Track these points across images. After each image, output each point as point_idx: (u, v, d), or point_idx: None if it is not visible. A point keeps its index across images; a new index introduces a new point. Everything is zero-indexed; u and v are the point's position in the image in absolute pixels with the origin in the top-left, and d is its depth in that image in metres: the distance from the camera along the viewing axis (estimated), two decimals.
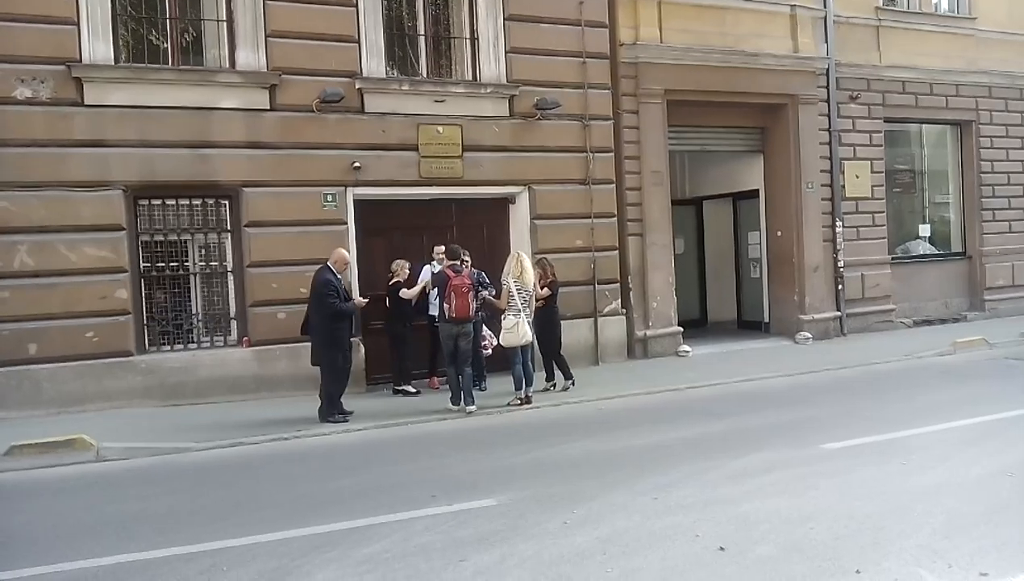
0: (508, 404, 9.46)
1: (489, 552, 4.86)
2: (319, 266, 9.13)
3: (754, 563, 4.60)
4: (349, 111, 10.61)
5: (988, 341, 12.69)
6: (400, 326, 10.25)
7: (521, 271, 9.55)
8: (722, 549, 4.77)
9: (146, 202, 10.10)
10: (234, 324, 10.41)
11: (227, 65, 10.32)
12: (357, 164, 10.56)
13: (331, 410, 8.90)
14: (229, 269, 10.40)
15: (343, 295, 8.99)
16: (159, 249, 10.23)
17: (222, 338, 10.40)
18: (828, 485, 6.03)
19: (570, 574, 4.53)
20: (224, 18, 10.33)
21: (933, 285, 15.59)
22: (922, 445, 7.04)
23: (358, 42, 10.79)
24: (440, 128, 11.11)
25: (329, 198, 10.50)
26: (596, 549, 4.86)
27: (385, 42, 11.10)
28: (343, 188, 10.60)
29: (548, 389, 10.25)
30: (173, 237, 10.28)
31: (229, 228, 10.39)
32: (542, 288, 10.19)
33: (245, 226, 10.21)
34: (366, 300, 9.81)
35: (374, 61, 10.89)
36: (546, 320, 10.24)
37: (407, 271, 10.26)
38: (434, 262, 10.37)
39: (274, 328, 10.19)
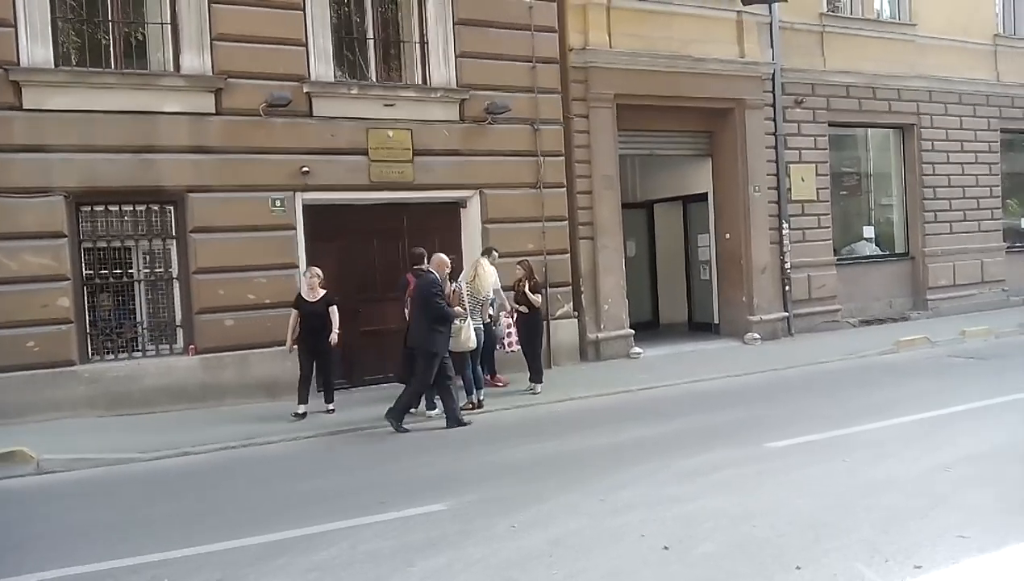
0: (460, 409, 9.45)
1: (437, 557, 4.86)
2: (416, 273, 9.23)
3: (698, 561, 4.66)
4: (297, 115, 10.52)
5: (930, 339, 13.02)
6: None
7: (475, 277, 9.56)
8: (666, 548, 4.82)
9: (88, 208, 9.89)
10: (180, 332, 10.23)
11: (171, 69, 10.16)
12: (306, 169, 10.46)
13: (397, 419, 8.57)
14: (175, 276, 10.23)
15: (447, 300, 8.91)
16: (102, 256, 10.01)
17: (168, 346, 10.23)
18: (773, 483, 6.14)
19: (517, 577, 4.54)
20: (168, 21, 10.16)
21: (877, 285, 15.94)
22: (864, 442, 7.20)
23: (306, 46, 10.70)
24: (390, 132, 11.07)
25: (277, 203, 10.39)
26: (544, 551, 4.88)
27: (334, 46, 11.03)
28: (292, 193, 10.49)
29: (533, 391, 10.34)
30: (117, 244, 10.07)
31: (174, 234, 10.21)
32: (532, 292, 10.36)
33: (191, 232, 10.05)
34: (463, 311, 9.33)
35: (322, 65, 10.81)
36: (534, 323, 10.43)
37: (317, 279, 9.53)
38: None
39: (221, 335, 10.05)
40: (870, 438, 7.34)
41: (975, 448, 6.82)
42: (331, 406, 9.54)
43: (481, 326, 9.72)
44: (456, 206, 11.85)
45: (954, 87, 16.54)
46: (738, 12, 13.88)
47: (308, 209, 10.68)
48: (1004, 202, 17.67)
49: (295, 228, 10.53)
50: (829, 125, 15.21)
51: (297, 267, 10.38)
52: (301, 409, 9.26)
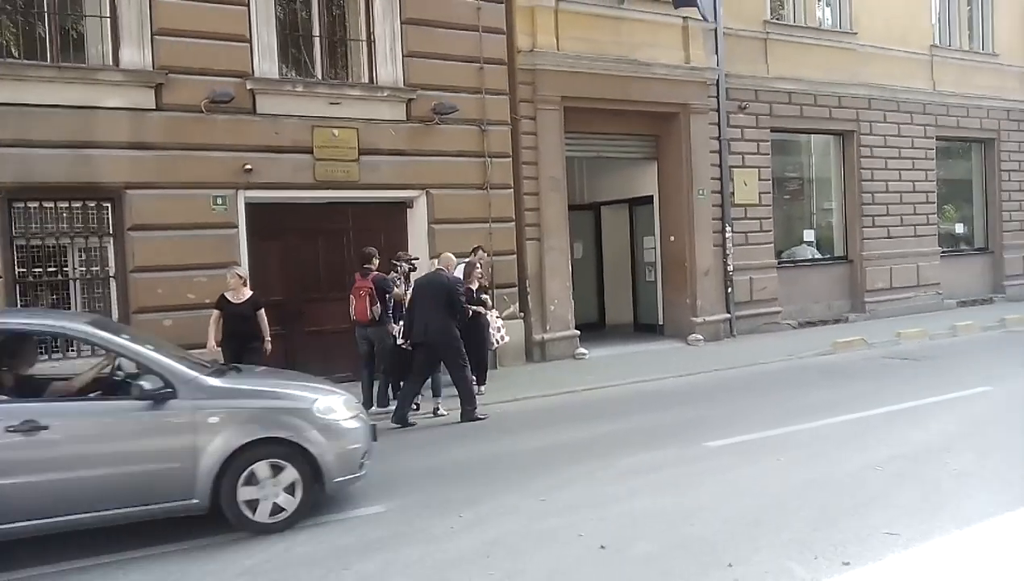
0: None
1: (373, 559, 4.84)
2: (431, 273, 9.29)
3: (634, 560, 4.72)
4: (240, 112, 10.37)
5: (867, 341, 13.34)
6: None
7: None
8: (604, 548, 4.88)
9: (22, 204, 9.60)
10: None
11: (111, 63, 9.93)
12: (249, 166, 10.31)
13: (471, 405, 8.94)
14: (111, 274, 9.99)
15: None
16: (37, 254, 9.72)
17: None
18: (711, 482, 6.24)
19: (453, 578, 4.56)
20: (107, 14, 9.92)
21: (817, 288, 16.28)
22: (800, 442, 7.36)
23: (250, 42, 10.54)
24: (336, 131, 10.97)
25: (219, 201, 10.22)
26: (481, 552, 4.90)
27: (279, 43, 10.89)
28: (234, 191, 10.33)
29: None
30: (52, 241, 9.81)
31: (112, 232, 9.97)
32: (485, 292, 10.32)
33: (129, 230, 9.83)
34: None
35: (267, 62, 10.67)
36: (478, 325, 10.20)
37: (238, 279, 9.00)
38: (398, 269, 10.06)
39: (160, 336, 9.83)
40: (805, 438, 7.50)
41: (905, 447, 7.02)
42: None
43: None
44: (403, 206, 11.79)
45: (892, 95, 16.98)
46: (684, 18, 14.06)
47: (251, 207, 10.53)
48: (940, 208, 18.19)
49: (237, 226, 10.36)
50: (772, 131, 15.48)
51: (239, 266, 10.21)
52: None
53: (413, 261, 10.30)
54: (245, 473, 5.35)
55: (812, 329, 15.31)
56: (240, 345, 8.69)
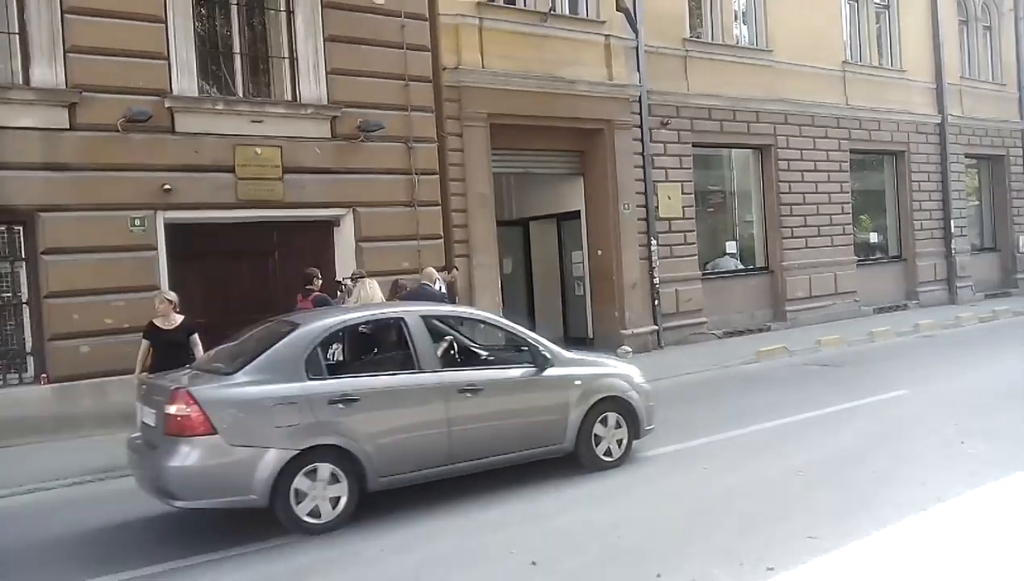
0: None
1: None
2: (414, 287, 9.94)
3: (566, 574, 4.75)
4: (159, 131, 10.11)
5: (788, 349, 13.71)
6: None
7: (359, 299, 9.34)
8: (534, 564, 4.89)
9: None
10: (31, 360, 9.62)
11: (20, 81, 9.60)
12: (168, 186, 10.06)
13: None
14: (24, 300, 9.62)
15: None
16: None
17: (17, 375, 9.60)
18: (639, 493, 6.34)
19: None
20: (16, 31, 9.60)
21: (740, 298, 16.67)
22: (725, 449, 7.52)
23: (168, 59, 10.30)
24: (258, 149, 10.80)
25: (137, 222, 9.94)
26: (411, 574, 4.86)
27: (198, 60, 10.68)
28: (153, 212, 10.06)
29: None
30: None
31: (24, 256, 9.62)
32: None
33: (42, 253, 9.49)
34: None
35: (185, 79, 10.45)
36: None
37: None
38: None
39: (76, 363, 9.51)
40: (731, 445, 7.67)
41: (825, 451, 7.25)
42: None
43: None
44: (329, 224, 11.67)
45: (807, 110, 17.55)
46: (606, 36, 14.32)
47: (171, 228, 10.27)
48: (855, 218, 18.87)
49: (156, 248, 10.09)
50: (694, 146, 15.83)
51: (158, 289, 9.92)
52: None
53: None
54: (596, 423, 6.95)
55: (736, 338, 15.65)
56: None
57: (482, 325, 7.92)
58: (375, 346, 7.55)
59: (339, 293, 10.14)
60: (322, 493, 5.71)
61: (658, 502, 6.03)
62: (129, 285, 9.75)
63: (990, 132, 22.06)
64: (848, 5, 18.96)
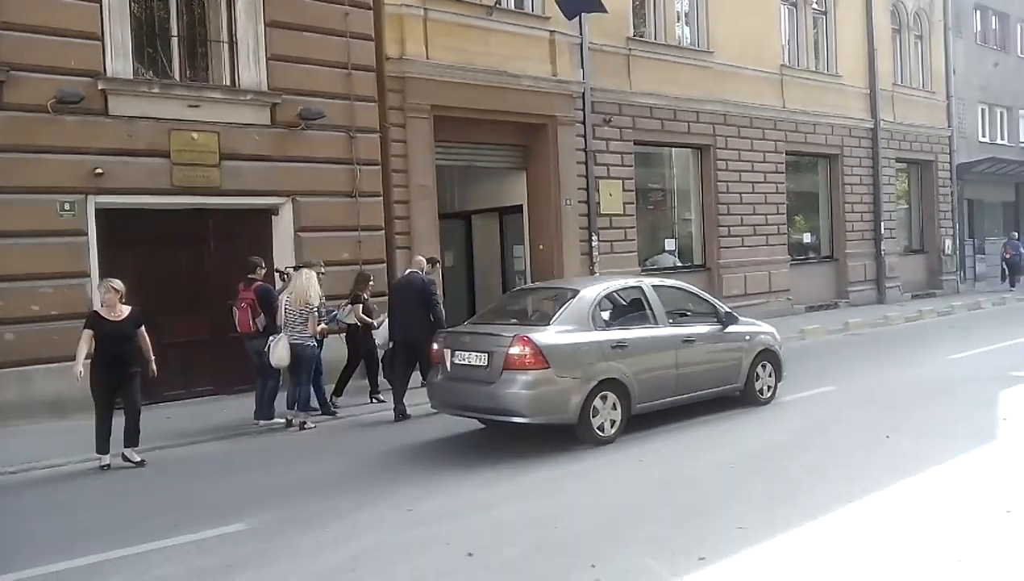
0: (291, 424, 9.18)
1: (234, 579, 4.68)
2: (406, 275, 10.01)
3: (501, 565, 4.77)
4: (91, 113, 9.82)
5: None
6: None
7: (292, 290, 9.20)
8: (471, 555, 4.90)
9: None
10: None
11: None
12: (99, 170, 9.77)
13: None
14: None
15: None
16: None
17: None
18: (575, 486, 6.39)
19: None
20: None
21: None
22: (658, 444, 7.64)
23: (102, 40, 9.99)
24: (195, 134, 10.56)
25: (66, 207, 9.63)
26: (347, 566, 4.83)
27: (134, 41, 10.38)
28: (83, 196, 9.76)
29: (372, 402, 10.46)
30: None
31: None
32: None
33: None
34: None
35: (120, 61, 10.14)
36: (365, 338, 10.27)
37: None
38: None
39: (1, 351, 9.19)
40: (663, 440, 7.79)
41: (756, 445, 7.42)
42: (137, 456, 7.62)
43: (303, 342, 9.00)
44: (267, 213, 11.47)
45: (746, 111, 17.89)
46: (551, 32, 14.37)
47: (102, 213, 9.98)
48: (790, 218, 19.33)
49: (87, 234, 9.80)
50: (635, 143, 16.00)
51: (88, 276, 9.66)
52: (105, 459, 7.49)
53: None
54: (758, 368, 9.08)
55: None
56: (121, 374, 7.53)
57: (681, 291, 9.41)
58: (625, 308, 8.72)
59: (280, 282, 9.99)
60: (608, 414, 7.60)
61: (594, 495, 6.08)
62: (57, 271, 9.47)
63: (920, 138, 22.86)
64: (787, 10, 19.37)
